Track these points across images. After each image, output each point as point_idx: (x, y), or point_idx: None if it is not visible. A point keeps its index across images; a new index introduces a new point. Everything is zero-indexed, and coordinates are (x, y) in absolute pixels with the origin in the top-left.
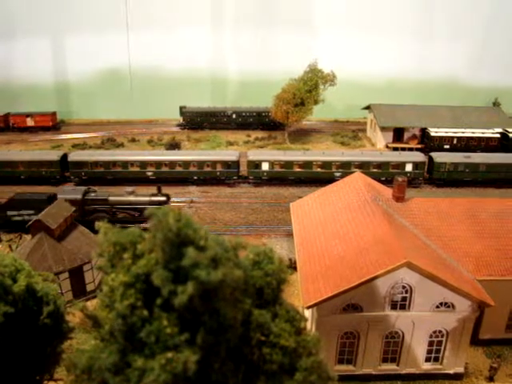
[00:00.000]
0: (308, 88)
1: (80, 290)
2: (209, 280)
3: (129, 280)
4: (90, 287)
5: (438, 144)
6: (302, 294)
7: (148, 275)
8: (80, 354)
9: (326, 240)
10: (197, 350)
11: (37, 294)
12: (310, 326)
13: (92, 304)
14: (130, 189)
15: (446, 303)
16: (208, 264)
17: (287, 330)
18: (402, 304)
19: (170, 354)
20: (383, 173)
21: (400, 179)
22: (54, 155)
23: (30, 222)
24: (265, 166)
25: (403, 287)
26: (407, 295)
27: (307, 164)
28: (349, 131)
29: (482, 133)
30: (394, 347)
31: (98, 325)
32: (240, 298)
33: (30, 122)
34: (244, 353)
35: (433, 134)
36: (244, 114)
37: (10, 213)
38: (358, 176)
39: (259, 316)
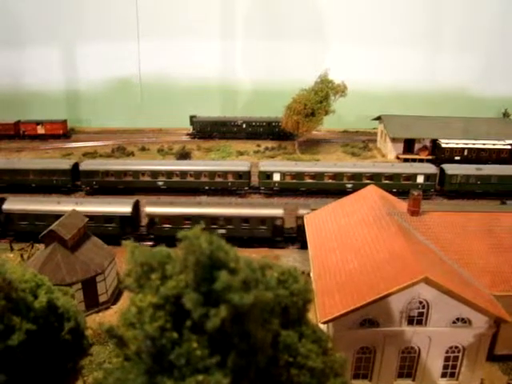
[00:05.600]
0: (319, 99)
1: (93, 301)
2: (242, 303)
3: (158, 301)
4: (102, 298)
5: (449, 155)
6: (317, 309)
7: (177, 297)
8: (106, 374)
9: (341, 254)
10: (228, 372)
11: (58, 310)
12: None
13: (105, 315)
14: None
15: (462, 319)
16: (240, 287)
17: (314, 351)
18: (418, 319)
19: (200, 377)
20: (395, 184)
21: (415, 193)
22: (66, 164)
23: (43, 232)
24: (276, 177)
25: (420, 302)
26: (424, 310)
27: (318, 175)
28: (359, 142)
29: (493, 144)
30: (409, 362)
31: (122, 343)
32: (268, 318)
33: (40, 130)
34: (272, 374)
35: (443, 145)
36: (254, 123)
37: None
38: (372, 189)
39: (287, 337)
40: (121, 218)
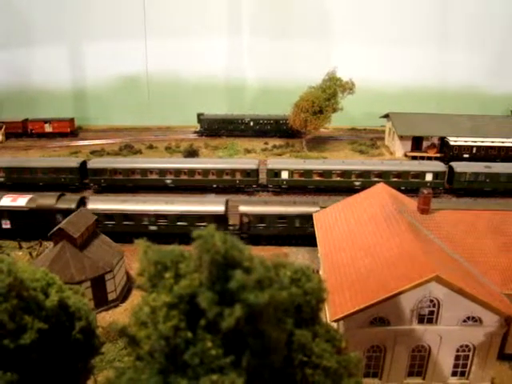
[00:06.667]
0: (327, 96)
1: (102, 300)
2: (257, 303)
3: (172, 301)
4: (111, 296)
5: (457, 153)
6: (328, 307)
7: (191, 296)
8: (118, 374)
9: (351, 252)
10: (242, 372)
11: (69, 309)
12: None
13: (114, 313)
14: None
15: (473, 317)
16: (254, 286)
17: (328, 351)
18: (429, 318)
19: (214, 377)
20: (403, 182)
21: (425, 191)
22: (74, 162)
23: (52, 231)
24: (284, 175)
25: (431, 301)
26: (434, 309)
27: (327, 173)
28: (366, 139)
29: (502, 142)
30: (420, 361)
31: (135, 343)
32: (282, 317)
33: (48, 128)
34: (287, 374)
35: (452, 143)
36: (262, 121)
37: None
38: (381, 187)
39: (301, 336)
40: (214, 217)
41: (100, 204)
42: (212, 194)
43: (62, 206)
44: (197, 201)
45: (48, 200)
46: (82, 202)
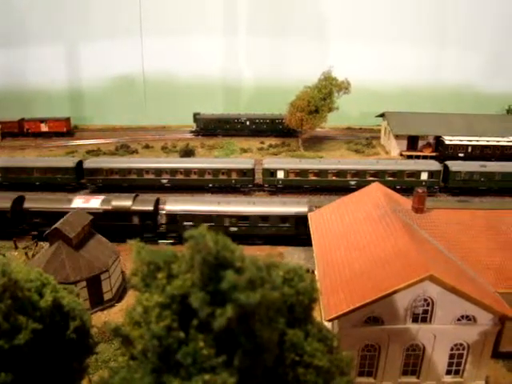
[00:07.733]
0: (322, 96)
1: (97, 299)
2: (248, 303)
3: (164, 301)
4: (107, 296)
5: (453, 152)
6: (322, 307)
7: (184, 296)
8: (112, 373)
9: (346, 251)
10: (234, 372)
11: (63, 308)
12: None
13: (109, 313)
14: None
15: (467, 316)
16: (246, 286)
17: (320, 350)
18: (423, 317)
19: (207, 376)
20: (398, 181)
21: (420, 190)
22: (70, 162)
23: (47, 231)
24: (280, 174)
25: (425, 300)
26: (428, 308)
27: (322, 172)
28: (362, 139)
29: (497, 141)
30: (414, 360)
31: (128, 342)
32: (274, 317)
33: (44, 128)
34: (278, 373)
35: (447, 142)
36: (258, 120)
37: None
38: (376, 186)
39: (293, 336)
40: (296, 218)
41: (179, 205)
42: (208, 194)
43: (139, 207)
44: (278, 201)
45: (124, 201)
46: (157, 203)
